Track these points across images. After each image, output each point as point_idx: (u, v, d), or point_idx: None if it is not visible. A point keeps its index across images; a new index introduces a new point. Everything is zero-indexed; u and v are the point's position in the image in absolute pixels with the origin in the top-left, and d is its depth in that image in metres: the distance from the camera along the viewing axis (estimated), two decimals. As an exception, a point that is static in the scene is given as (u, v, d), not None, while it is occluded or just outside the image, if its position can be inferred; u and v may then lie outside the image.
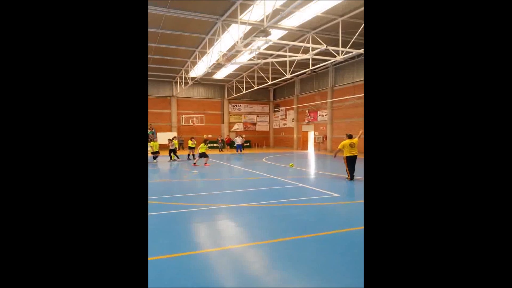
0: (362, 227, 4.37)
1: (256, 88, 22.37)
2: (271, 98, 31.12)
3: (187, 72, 21.76)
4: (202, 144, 13.11)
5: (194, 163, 13.32)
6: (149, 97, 26.42)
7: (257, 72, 21.36)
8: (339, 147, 9.09)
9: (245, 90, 23.90)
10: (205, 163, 13.22)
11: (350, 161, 8.83)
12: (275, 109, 30.47)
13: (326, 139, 22.88)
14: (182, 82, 23.95)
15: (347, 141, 8.96)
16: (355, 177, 8.78)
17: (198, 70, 20.44)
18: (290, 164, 12.98)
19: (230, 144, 25.37)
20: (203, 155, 13.01)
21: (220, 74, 23.52)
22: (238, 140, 22.12)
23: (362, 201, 6.46)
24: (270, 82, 20.50)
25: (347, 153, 8.87)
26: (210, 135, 28.11)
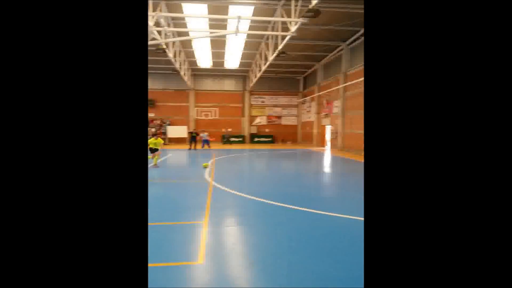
0: None
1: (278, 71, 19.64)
2: (301, 89, 27.80)
3: (191, 63, 20.50)
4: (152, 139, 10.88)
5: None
6: (167, 90, 26.29)
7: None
8: None
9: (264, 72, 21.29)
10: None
11: None
12: (302, 100, 27.09)
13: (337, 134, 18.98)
14: (188, 74, 22.94)
15: None
16: None
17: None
18: (204, 164, 10.38)
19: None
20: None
21: (233, 62, 21.70)
22: (204, 136, 20.33)
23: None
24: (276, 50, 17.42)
25: None
26: (229, 129, 26.70)
